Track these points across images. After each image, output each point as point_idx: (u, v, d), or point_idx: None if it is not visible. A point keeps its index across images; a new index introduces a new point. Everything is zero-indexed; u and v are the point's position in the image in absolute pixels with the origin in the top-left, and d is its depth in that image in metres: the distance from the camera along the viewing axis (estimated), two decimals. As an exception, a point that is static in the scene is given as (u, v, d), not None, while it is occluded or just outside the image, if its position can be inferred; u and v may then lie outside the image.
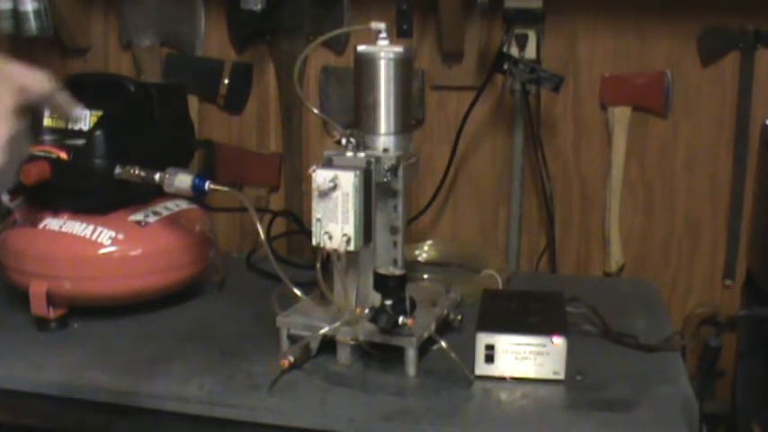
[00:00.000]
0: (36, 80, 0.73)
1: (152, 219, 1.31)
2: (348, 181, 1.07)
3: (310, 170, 1.09)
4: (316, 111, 1.34)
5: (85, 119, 1.28)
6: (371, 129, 1.16)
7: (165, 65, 1.75)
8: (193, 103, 1.71)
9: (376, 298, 1.12)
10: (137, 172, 1.21)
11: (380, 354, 1.12)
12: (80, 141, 1.26)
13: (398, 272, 1.13)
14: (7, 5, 1.57)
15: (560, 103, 1.61)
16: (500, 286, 1.40)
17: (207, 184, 1.20)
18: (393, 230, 1.17)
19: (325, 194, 1.08)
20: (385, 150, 1.15)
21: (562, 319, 1.15)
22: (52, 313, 1.25)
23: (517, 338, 1.09)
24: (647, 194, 1.62)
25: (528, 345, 1.08)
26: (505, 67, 1.51)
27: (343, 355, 1.14)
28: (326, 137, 1.70)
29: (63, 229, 1.25)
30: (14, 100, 0.69)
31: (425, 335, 1.13)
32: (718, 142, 1.57)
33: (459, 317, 1.24)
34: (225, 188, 1.21)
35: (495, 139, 1.65)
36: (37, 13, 1.57)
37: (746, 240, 1.57)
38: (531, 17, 1.51)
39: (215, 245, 1.42)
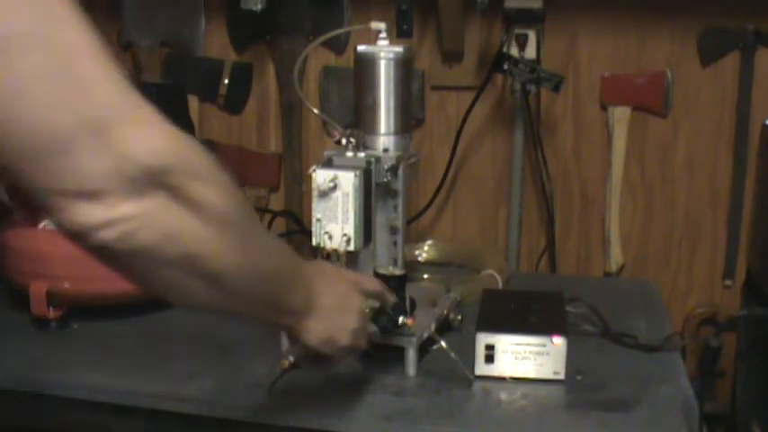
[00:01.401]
0: (372, 283, 0.99)
1: (152, 219, 1.30)
2: (348, 181, 1.07)
3: (310, 170, 1.09)
4: (316, 111, 1.33)
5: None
6: (371, 129, 1.16)
7: (165, 65, 1.75)
8: (193, 103, 1.71)
9: (376, 298, 1.12)
10: (137, 172, 1.21)
11: (380, 354, 1.12)
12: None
13: (398, 272, 1.13)
14: (7, 5, 1.57)
15: (560, 103, 1.61)
16: (500, 286, 1.40)
17: (207, 184, 1.19)
18: (393, 230, 1.17)
19: (325, 194, 1.08)
20: (385, 150, 1.15)
21: (562, 319, 1.15)
22: (52, 313, 1.25)
23: (517, 338, 1.09)
24: (647, 194, 1.62)
25: (528, 345, 1.08)
26: (505, 67, 1.51)
27: (343, 355, 1.14)
28: (326, 137, 1.70)
29: (63, 229, 1.25)
30: (362, 300, 0.93)
31: (425, 335, 1.13)
32: (718, 142, 1.57)
33: (459, 317, 1.24)
34: (225, 188, 1.21)
35: (495, 139, 1.65)
36: (37, 13, 1.57)
37: (746, 240, 1.57)
38: (531, 17, 1.51)
39: (215, 245, 1.42)
